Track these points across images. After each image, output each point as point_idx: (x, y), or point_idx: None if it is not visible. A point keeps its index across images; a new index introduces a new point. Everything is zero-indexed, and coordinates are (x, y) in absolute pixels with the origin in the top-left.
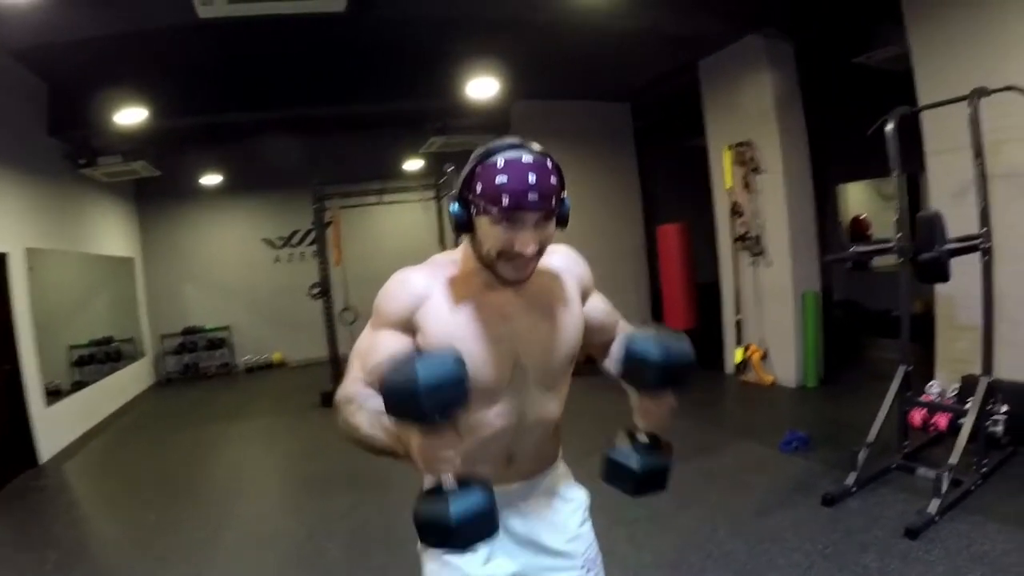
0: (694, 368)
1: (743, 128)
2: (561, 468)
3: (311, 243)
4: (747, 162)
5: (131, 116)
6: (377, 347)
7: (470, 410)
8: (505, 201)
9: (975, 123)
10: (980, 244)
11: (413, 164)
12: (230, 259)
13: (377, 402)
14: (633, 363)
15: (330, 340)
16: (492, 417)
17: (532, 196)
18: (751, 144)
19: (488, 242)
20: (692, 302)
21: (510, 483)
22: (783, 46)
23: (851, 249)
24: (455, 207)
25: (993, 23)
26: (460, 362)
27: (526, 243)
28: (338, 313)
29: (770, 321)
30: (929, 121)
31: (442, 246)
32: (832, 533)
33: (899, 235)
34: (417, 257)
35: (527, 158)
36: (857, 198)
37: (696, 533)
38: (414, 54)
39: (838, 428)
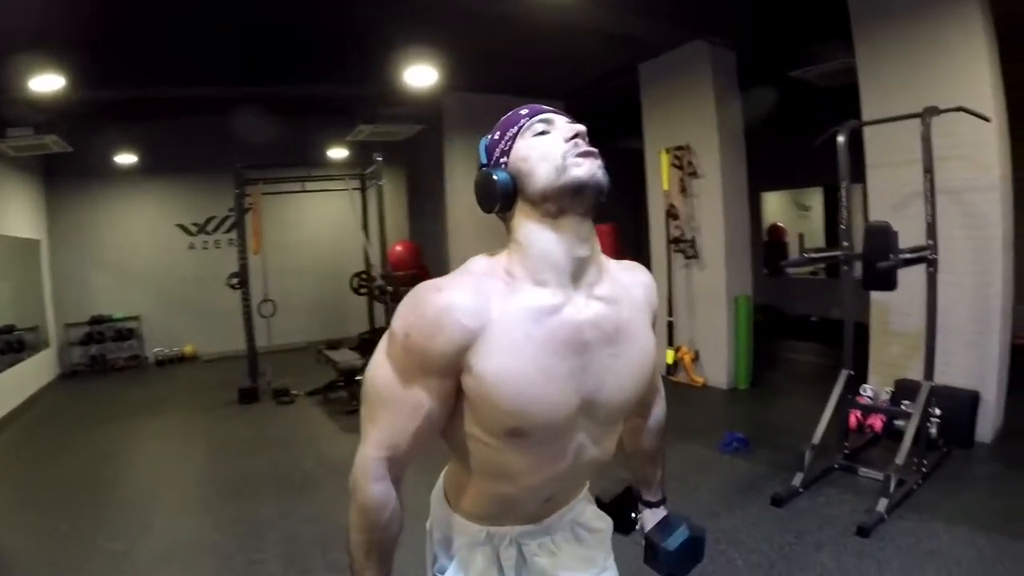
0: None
1: (681, 132)
2: (584, 493)
3: (227, 230)
4: (684, 166)
5: (46, 84)
6: (408, 407)
7: (521, 457)
8: (524, 111)
9: (927, 140)
10: (928, 255)
11: (339, 152)
12: (142, 245)
13: (390, 545)
14: (650, 549)
15: (248, 333)
16: (544, 462)
17: (545, 108)
18: (689, 148)
19: (537, 156)
20: None
21: (541, 520)
22: (727, 53)
23: (803, 255)
24: (486, 171)
25: (938, 44)
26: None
27: (571, 127)
28: (257, 305)
29: (702, 323)
30: (872, 135)
31: (366, 236)
32: (786, 533)
33: (844, 244)
34: (341, 249)
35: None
36: (773, 207)
37: None
38: (346, 37)
39: (773, 429)
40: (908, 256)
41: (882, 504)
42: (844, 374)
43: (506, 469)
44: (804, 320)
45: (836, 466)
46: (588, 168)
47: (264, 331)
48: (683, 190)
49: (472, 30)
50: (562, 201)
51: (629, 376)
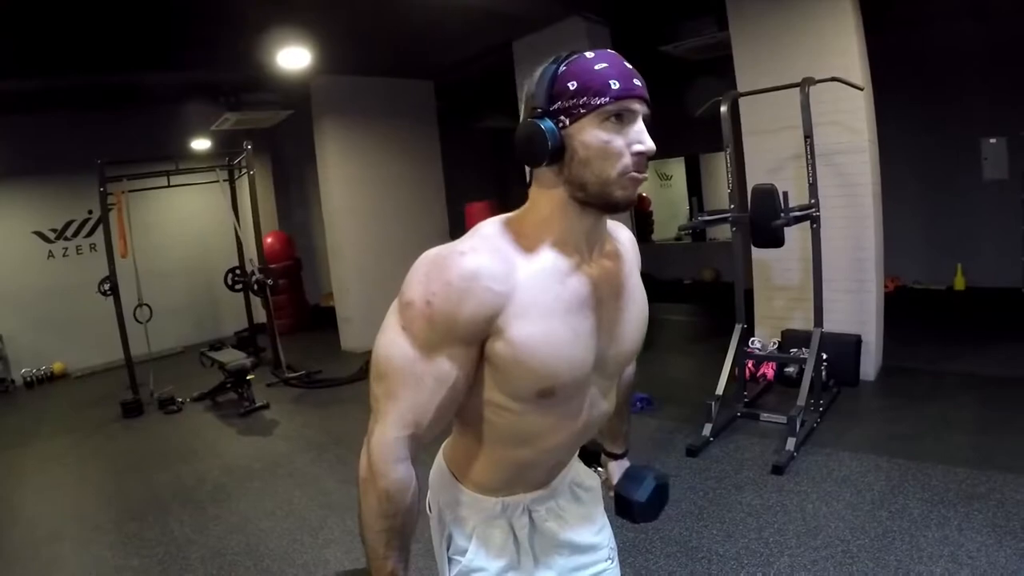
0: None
1: None
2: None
3: (88, 234)
4: None
5: None
6: (431, 379)
7: (544, 418)
8: (616, 85)
9: (806, 108)
10: (812, 213)
11: (203, 143)
12: None
13: (409, 527)
14: (622, 502)
15: (124, 342)
16: (565, 420)
17: (638, 82)
18: None
19: (597, 152)
20: None
21: (547, 485)
22: (601, 30)
23: (697, 219)
24: (537, 123)
25: (809, 18)
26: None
27: (648, 138)
28: (132, 311)
29: None
30: (748, 105)
31: (238, 229)
32: (707, 480)
33: (731, 206)
34: (211, 245)
35: (611, 52)
36: None
37: None
38: (208, 19)
39: (671, 386)
40: (798, 214)
41: (791, 443)
42: (738, 328)
43: (528, 433)
44: (677, 283)
45: (739, 414)
46: (631, 194)
47: (141, 338)
48: None
49: (342, 10)
50: (593, 202)
51: (633, 329)
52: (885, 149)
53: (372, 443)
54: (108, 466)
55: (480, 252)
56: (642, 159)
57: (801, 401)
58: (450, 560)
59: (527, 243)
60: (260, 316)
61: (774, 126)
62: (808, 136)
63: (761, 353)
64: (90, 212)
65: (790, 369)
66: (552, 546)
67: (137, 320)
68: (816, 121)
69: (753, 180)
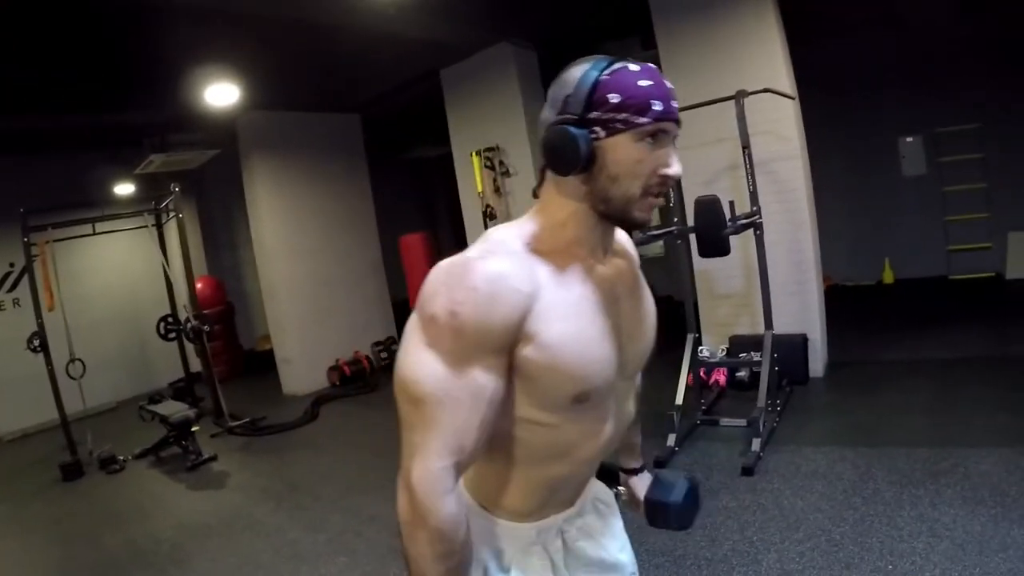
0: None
1: (490, 133)
2: None
3: (10, 288)
4: (496, 166)
5: None
6: (468, 397)
7: (578, 426)
8: (658, 107)
9: (742, 119)
10: (756, 220)
11: (127, 187)
12: None
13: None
14: (657, 508)
15: (57, 401)
16: (596, 427)
17: (675, 104)
18: (499, 148)
19: (627, 170)
20: None
21: (574, 503)
22: (529, 54)
23: (646, 233)
24: (572, 131)
25: (736, 33)
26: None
27: (676, 163)
28: (65, 367)
29: None
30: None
31: (166, 276)
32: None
33: (675, 220)
34: (139, 294)
35: (651, 66)
36: None
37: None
38: (129, 59)
39: None
40: (744, 222)
41: (756, 444)
42: (691, 337)
43: (564, 445)
44: None
45: (698, 422)
46: (648, 217)
47: (73, 395)
48: (497, 190)
49: (269, 44)
50: (612, 216)
51: (649, 325)
52: (810, 154)
53: (413, 480)
54: (54, 533)
55: (497, 255)
56: (667, 182)
57: (761, 402)
58: None
59: (541, 246)
60: (195, 365)
61: (707, 139)
62: (746, 146)
63: (715, 360)
64: (11, 265)
65: (741, 373)
66: (583, 566)
67: (70, 376)
68: (749, 132)
69: (690, 193)
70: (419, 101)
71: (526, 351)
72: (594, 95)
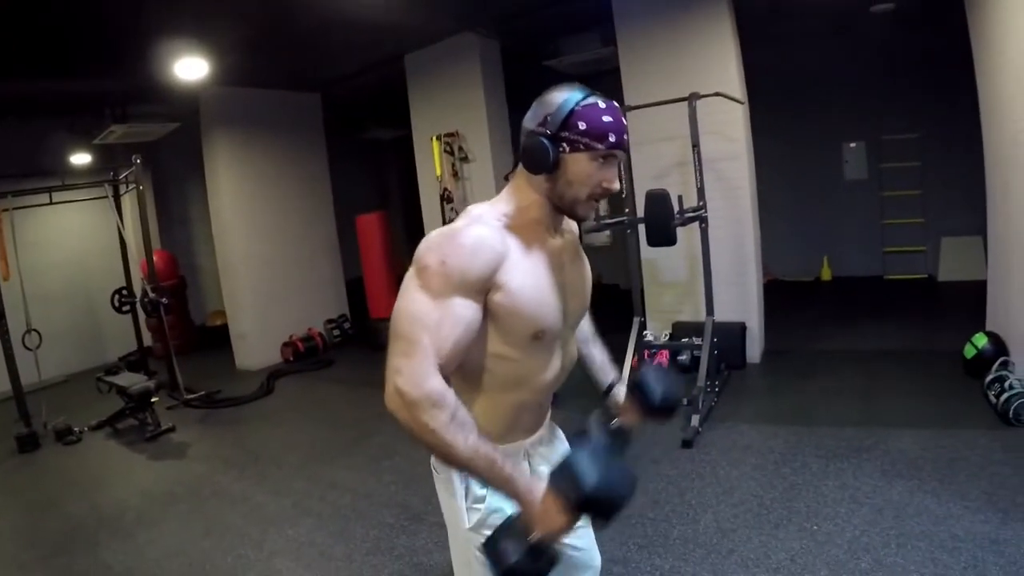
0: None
1: (451, 119)
2: None
3: None
4: (455, 151)
5: None
6: (449, 319)
7: (536, 360)
8: (612, 139)
9: (694, 120)
10: (702, 214)
11: (84, 157)
12: None
13: (468, 417)
14: (641, 393)
15: (11, 372)
16: (549, 361)
17: (626, 137)
18: (459, 134)
19: (580, 179)
20: (396, 291)
21: (536, 430)
22: (492, 44)
23: (599, 222)
24: (546, 142)
25: (692, 37)
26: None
27: (616, 180)
28: (20, 337)
29: None
30: (635, 118)
31: (122, 248)
32: (625, 458)
33: (627, 210)
34: (94, 266)
35: (615, 104)
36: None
37: None
38: (98, 24)
39: (570, 380)
40: (691, 215)
41: (695, 420)
42: (637, 321)
43: (524, 375)
44: None
45: None
46: (588, 213)
47: (31, 366)
48: (455, 174)
49: (238, 19)
50: (561, 208)
51: (585, 288)
52: (756, 155)
53: (403, 378)
54: (16, 503)
55: (479, 224)
56: (607, 193)
57: (701, 382)
58: (469, 509)
59: (511, 222)
60: (148, 339)
61: (659, 136)
62: (696, 145)
63: (659, 343)
64: None
65: (683, 357)
66: None
67: (26, 347)
68: (699, 132)
69: (641, 186)
70: (381, 83)
71: (497, 296)
72: (568, 120)
